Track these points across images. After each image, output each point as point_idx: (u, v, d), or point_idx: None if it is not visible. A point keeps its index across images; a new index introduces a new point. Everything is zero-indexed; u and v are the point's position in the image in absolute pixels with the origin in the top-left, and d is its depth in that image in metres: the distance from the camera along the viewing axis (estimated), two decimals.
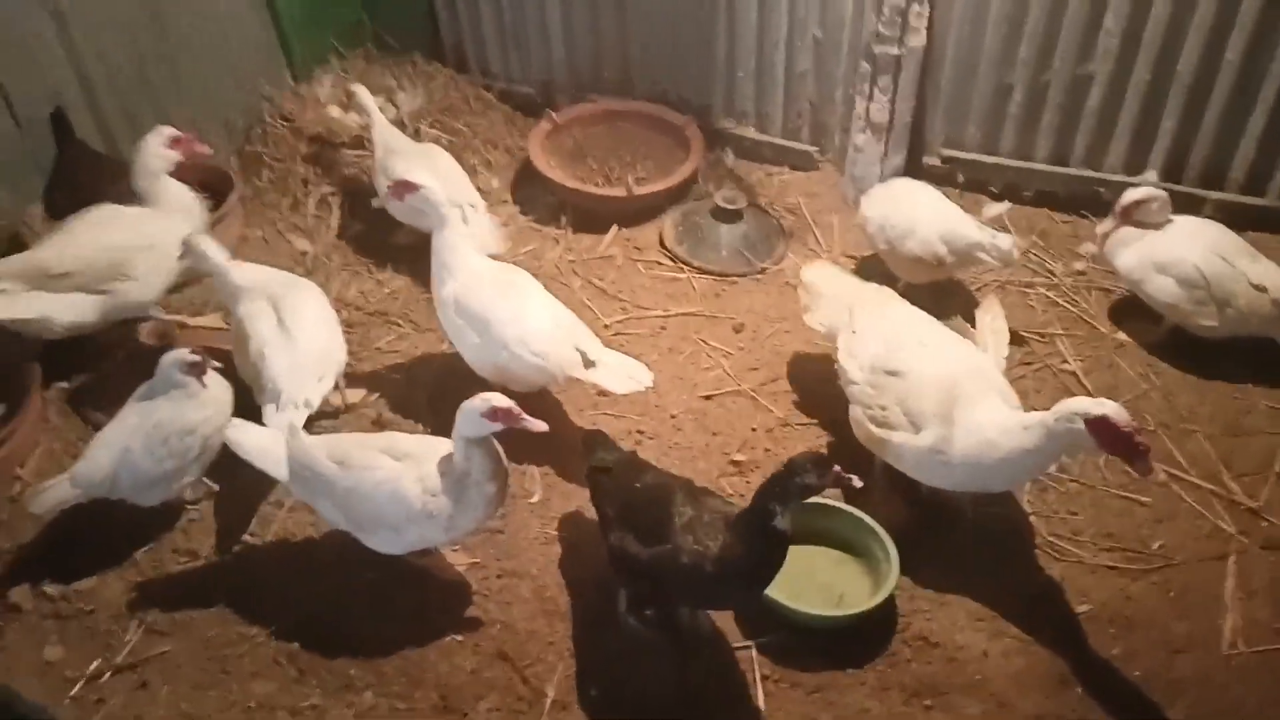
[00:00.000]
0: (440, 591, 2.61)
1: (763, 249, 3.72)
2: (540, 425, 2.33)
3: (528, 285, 2.97)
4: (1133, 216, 3.09)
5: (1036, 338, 3.29)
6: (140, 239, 3.03)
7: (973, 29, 3.53)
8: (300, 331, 2.78)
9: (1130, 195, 3.08)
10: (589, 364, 2.87)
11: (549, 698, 2.39)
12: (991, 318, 2.91)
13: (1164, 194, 3.09)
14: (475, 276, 2.91)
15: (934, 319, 2.84)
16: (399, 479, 2.36)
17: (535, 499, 2.87)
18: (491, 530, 2.77)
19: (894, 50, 3.53)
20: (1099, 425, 2.17)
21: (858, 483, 2.14)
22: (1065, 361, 3.21)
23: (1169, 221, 3.11)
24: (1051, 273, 3.54)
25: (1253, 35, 3.21)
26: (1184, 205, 3.43)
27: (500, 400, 2.29)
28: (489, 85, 4.49)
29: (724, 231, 3.74)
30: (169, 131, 3.13)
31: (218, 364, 2.68)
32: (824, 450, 1.99)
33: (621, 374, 2.87)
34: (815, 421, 3.05)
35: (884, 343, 2.71)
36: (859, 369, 2.71)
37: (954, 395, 2.43)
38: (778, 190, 4.01)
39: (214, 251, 2.91)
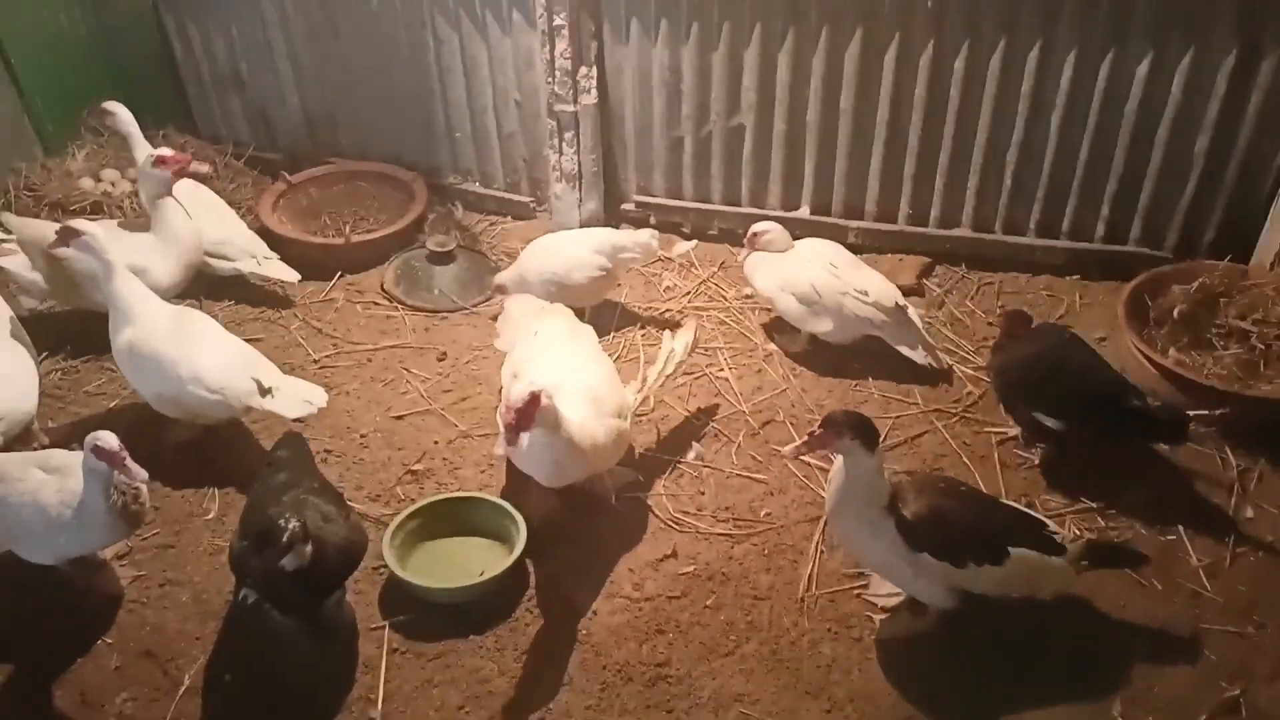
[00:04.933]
0: (98, 602, 2.79)
1: (475, 289, 4.07)
2: (140, 475, 2.52)
3: (203, 325, 3.21)
4: (757, 245, 3.60)
5: (702, 352, 3.71)
6: None
7: (640, 90, 4.03)
8: None
9: (753, 229, 3.59)
10: (265, 392, 3.11)
11: (184, 685, 2.58)
12: (676, 339, 3.27)
13: (778, 225, 3.60)
14: (150, 321, 3.12)
15: (585, 335, 3.22)
16: (39, 489, 2.56)
17: (211, 515, 3.07)
18: (163, 545, 2.98)
19: (570, 108, 3.99)
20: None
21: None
22: (722, 370, 3.63)
23: (792, 247, 3.61)
24: (724, 297, 4.00)
25: (858, 84, 3.78)
26: (833, 233, 3.98)
27: (106, 441, 2.47)
28: (239, 154, 4.81)
29: (437, 273, 4.09)
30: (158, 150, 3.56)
31: None
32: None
33: (296, 399, 3.13)
34: (495, 432, 3.36)
35: (522, 352, 3.07)
36: (507, 375, 3.06)
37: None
38: (499, 237, 4.42)
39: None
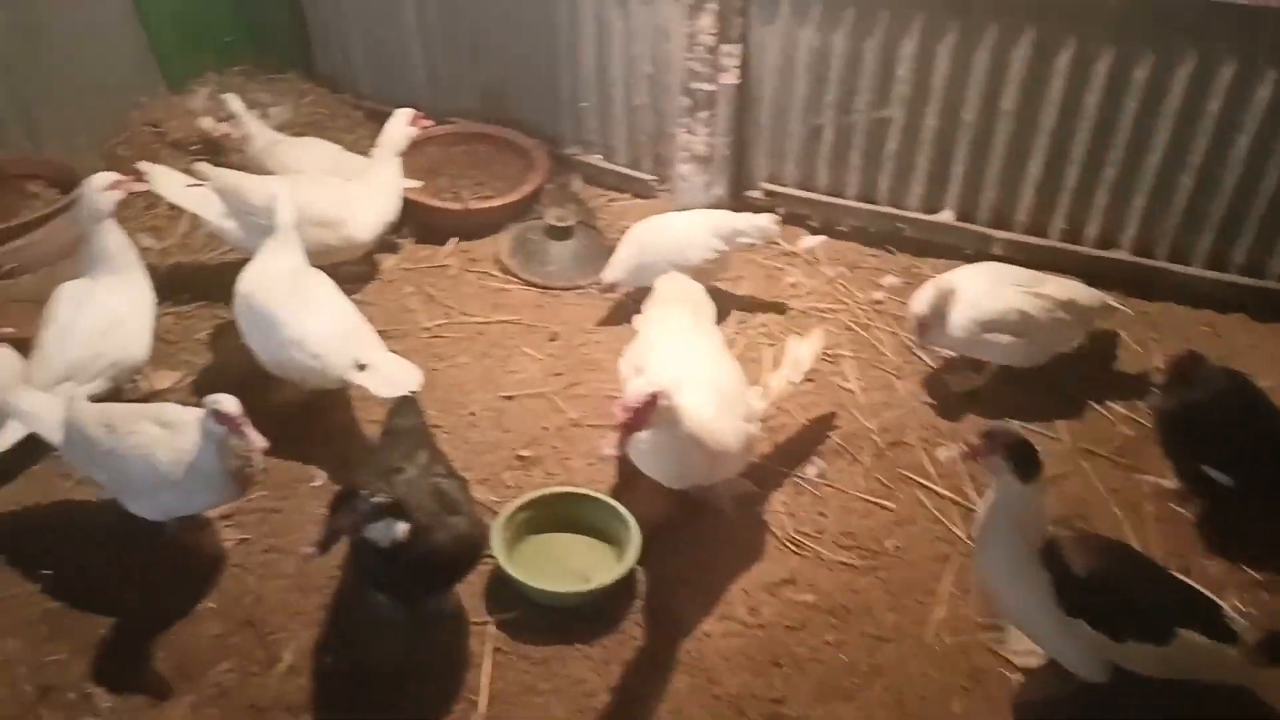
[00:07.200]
0: (202, 563, 2.74)
1: (590, 267, 3.92)
2: (259, 443, 2.45)
3: (319, 287, 3.09)
4: (938, 316, 3.13)
5: (826, 358, 3.49)
6: None
7: (783, 73, 3.80)
8: (71, 331, 2.92)
9: (916, 311, 3.14)
10: (360, 367, 2.97)
11: (284, 662, 2.51)
12: (803, 346, 3.06)
13: (936, 289, 3.12)
14: (269, 275, 3.03)
15: (709, 328, 3.04)
16: (153, 445, 2.50)
17: (318, 483, 3.00)
18: (268, 509, 2.91)
19: (708, 86, 3.79)
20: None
21: None
22: (847, 381, 3.42)
23: (954, 288, 3.15)
24: (852, 301, 3.77)
25: (1025, 86, 3.50)
26: (976, 243, 3.73)
27: (227, 406, 2.41)
28: (359, 105, 4.71)
29: (554, 248, 3.94)
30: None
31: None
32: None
33: (389, 379, 2.93)
34: (604, 423, 3.22)
35: (643, 342, 2.91)
36: (625, 365, 2.91)
37: None
38: (617, 214, 4.24)
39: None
